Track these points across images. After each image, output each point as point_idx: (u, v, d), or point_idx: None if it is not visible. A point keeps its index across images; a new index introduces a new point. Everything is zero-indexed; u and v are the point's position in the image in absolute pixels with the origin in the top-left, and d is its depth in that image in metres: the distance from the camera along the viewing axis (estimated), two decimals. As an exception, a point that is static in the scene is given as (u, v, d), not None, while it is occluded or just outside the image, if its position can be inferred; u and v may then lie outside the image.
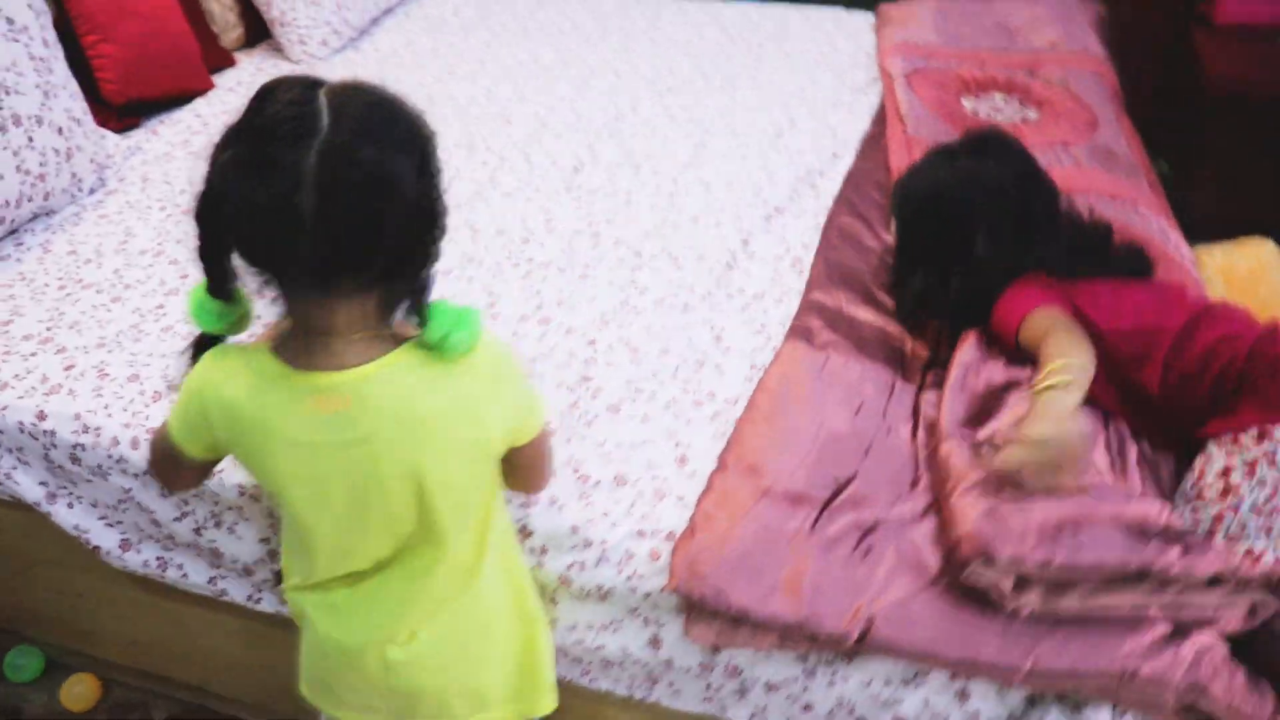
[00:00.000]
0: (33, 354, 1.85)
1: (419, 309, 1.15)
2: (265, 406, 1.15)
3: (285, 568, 1.40)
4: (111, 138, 2.50)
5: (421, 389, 1.17)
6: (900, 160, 2.26)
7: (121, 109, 2.58)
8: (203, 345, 1.21)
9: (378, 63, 2.95)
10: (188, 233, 1.11)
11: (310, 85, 1.07)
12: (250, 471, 1.24)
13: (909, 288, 1.82)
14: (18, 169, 2.15)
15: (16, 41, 2.18)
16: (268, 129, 1.03)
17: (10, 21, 2.19)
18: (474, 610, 1.38)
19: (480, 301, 1.96)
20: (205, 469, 1.34)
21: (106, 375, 1.81)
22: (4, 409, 1.74)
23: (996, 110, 2.55)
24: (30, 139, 2.18)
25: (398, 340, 1.16)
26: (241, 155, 1.04)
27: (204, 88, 2.77)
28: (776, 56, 2.97)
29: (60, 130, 2.25)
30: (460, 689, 1.41)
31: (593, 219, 2.22)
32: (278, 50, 3.00)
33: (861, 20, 3.18)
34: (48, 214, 2.29)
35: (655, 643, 1.52)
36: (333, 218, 1.03)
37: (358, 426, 1.15)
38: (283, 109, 1.04)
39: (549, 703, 1.49)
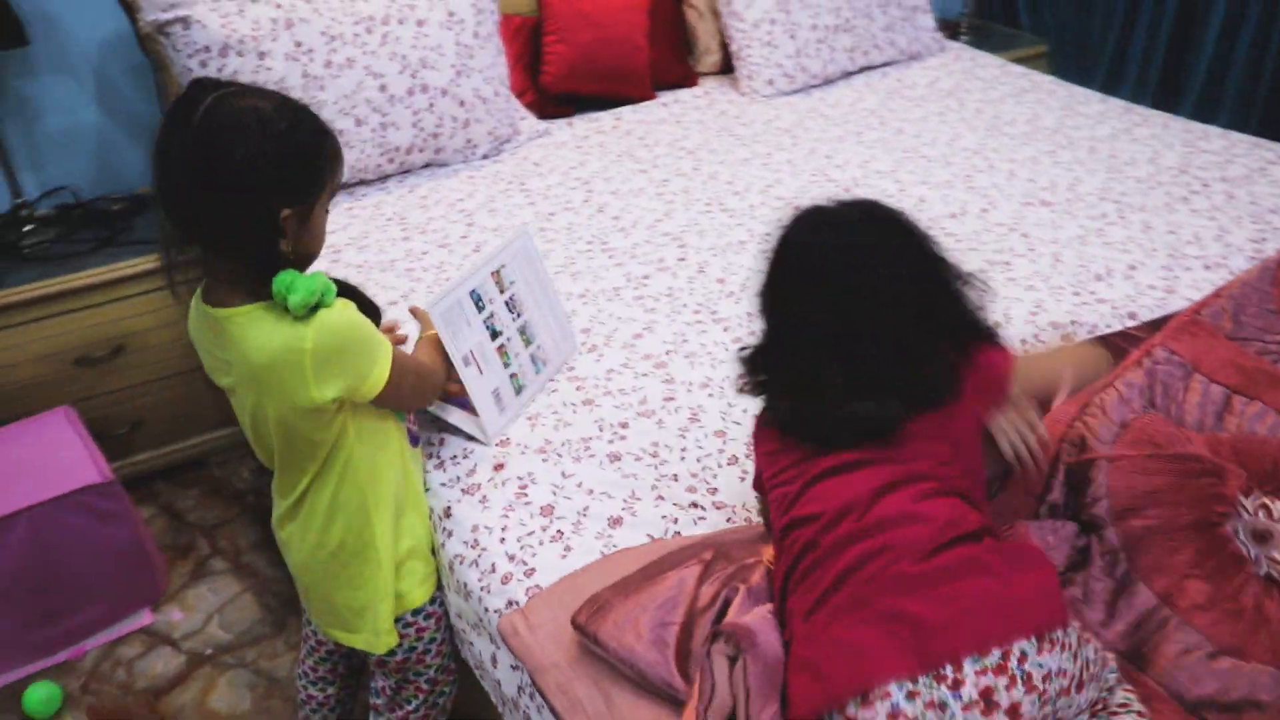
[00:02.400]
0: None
1: (267, 273, 1.37)
2: (199, 329, 1.49)
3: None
4: (531, 120, 2.94)
5: (260, 339, 1.40)
6: None
7: (557, 98, 3.01)
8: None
9: (820, 113, 3.05)
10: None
11: (212, 86, 1.35)
12: None
13: None
14: (414, 125, 2.66)
15: (449, 30, 2.68)
16: (169, 114, 1.34)
17: (451, 14, 2.69)
18: (306, 536, 1.60)
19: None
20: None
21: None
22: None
23: None
24: (431, 105, 2.67)
25: (264, 298, 1.40)
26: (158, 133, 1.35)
27: (642, 97, 3.09)
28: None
29: (462, 103, 2.72)
30: (318, 596, 1.66)
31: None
32: (735, 83, 3.22)
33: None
34: (441, 165, 2.78)
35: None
36: (170, 195, 1.34)
37: (227, 355, 1.45)
38: (180, 104, 1.33)
39: (380, 645, 1.65)
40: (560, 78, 3.00)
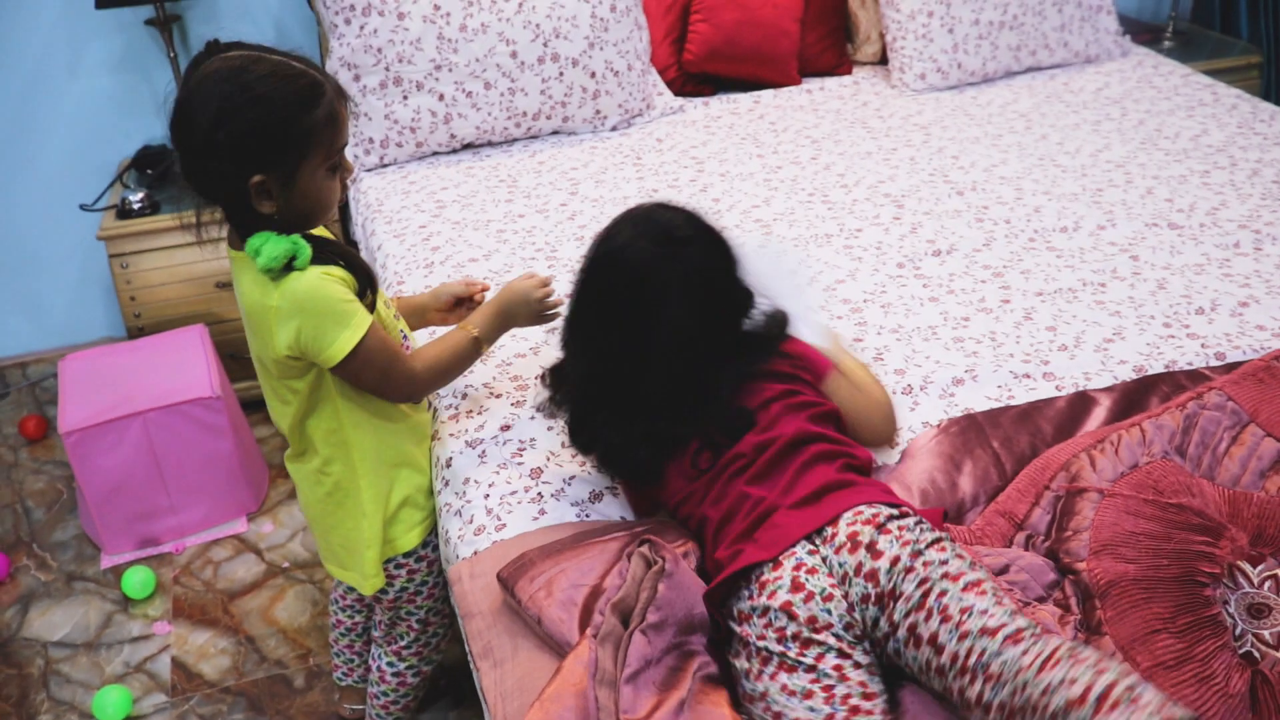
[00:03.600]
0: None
1: (247, 231, 1.48)
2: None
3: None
4: (668, 96, 2.98)
5: (245, 285, 1.53)
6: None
7: (697, 77, 3.04)
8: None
9: (965, 112, 2.97)
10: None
11: (218, 49, 1.48)
12: None
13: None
14: (542, 92, 2.76)
15: (586, 2, 2.75)
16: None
17: (592, -15, 2.76)
18: (305, 476, 1.73)
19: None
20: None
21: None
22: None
23: None
24: (561, 74, 2.76)
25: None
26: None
27: (786, 83, 3.08)
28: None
29: (592, 75, 2.79)
30: (318, 532, 1.80)
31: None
32: (888, 75, 3.15)
33: None
34: (568, 133, 2.87)
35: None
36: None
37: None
38: (189, 65, 1.48)
39: (367, 587, 1.76)
40: (701, 58, 3.02)
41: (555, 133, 2.87)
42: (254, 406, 2.92)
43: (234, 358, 2.87)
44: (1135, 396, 1.79)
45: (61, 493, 2.81)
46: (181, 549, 2.59)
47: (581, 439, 1.59)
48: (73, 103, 3.03)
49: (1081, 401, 1.78)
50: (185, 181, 1.49)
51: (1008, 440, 1.69)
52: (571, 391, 1.59)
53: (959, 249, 2.27)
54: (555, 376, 1.64)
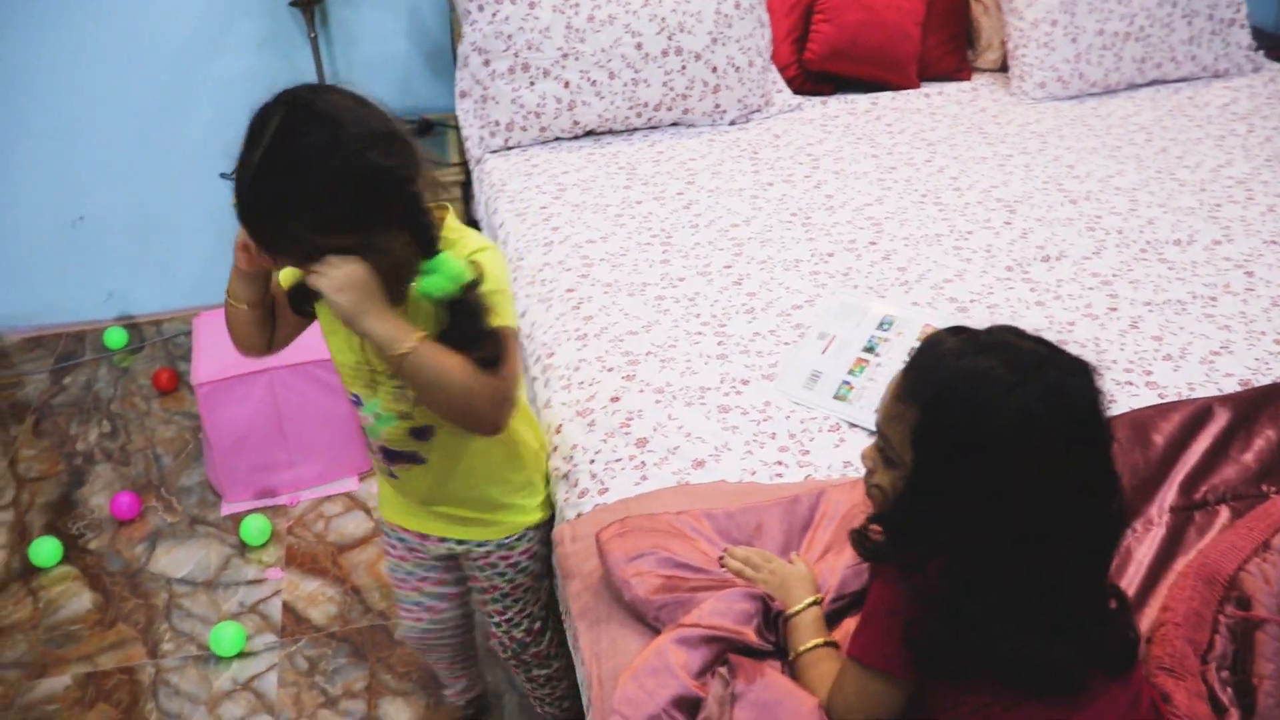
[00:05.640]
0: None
1: None
2: None
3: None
4: (787, 94, 3.04)
5: None
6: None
7: (817, 76, 3.09)
8: (474, 287, 1.34)
9: (1084, 122, 2.97)
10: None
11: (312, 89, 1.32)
12: None
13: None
14: (664, 84, 2.84)
15: (710, -2, 2.83)
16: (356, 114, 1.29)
17: (713, -19, 2.83)
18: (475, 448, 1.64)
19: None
20: None
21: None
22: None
23: None
24: (684, 67, 2.83)
25: None
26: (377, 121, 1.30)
27: (905, 86, 3.11)
28: None
29: (714, 69, 2.86)
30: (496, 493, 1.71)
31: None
32: (1008, 82, 3.16)
33: None
34: (688, 125, 2.94)
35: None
36: None
37: None
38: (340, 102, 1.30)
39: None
40: (822, 57, 3.06)
41: (675, 124, 2.95)
42: (371, 372, 3.05)
43: (355, 325, 3.00)
44: (1250, 408, 1.76)
45: (188, 442, 2.98)
46: (296, 502, 2.72)
47: (961, 650, 1.15)
48: (217, 78, 3.19)
49: (1198, 412, 1.75)
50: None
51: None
52: (937, 592, 1.16)
53: (1068, 256, 2.29)
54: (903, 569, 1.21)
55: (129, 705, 2.24)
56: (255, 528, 2.59)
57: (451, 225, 1.42)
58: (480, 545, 1.72)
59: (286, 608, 2.44)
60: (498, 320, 1.34)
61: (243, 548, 2.61)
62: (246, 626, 2.38)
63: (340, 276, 1.29)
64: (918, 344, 1.22)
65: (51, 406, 3.19)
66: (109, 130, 3.22)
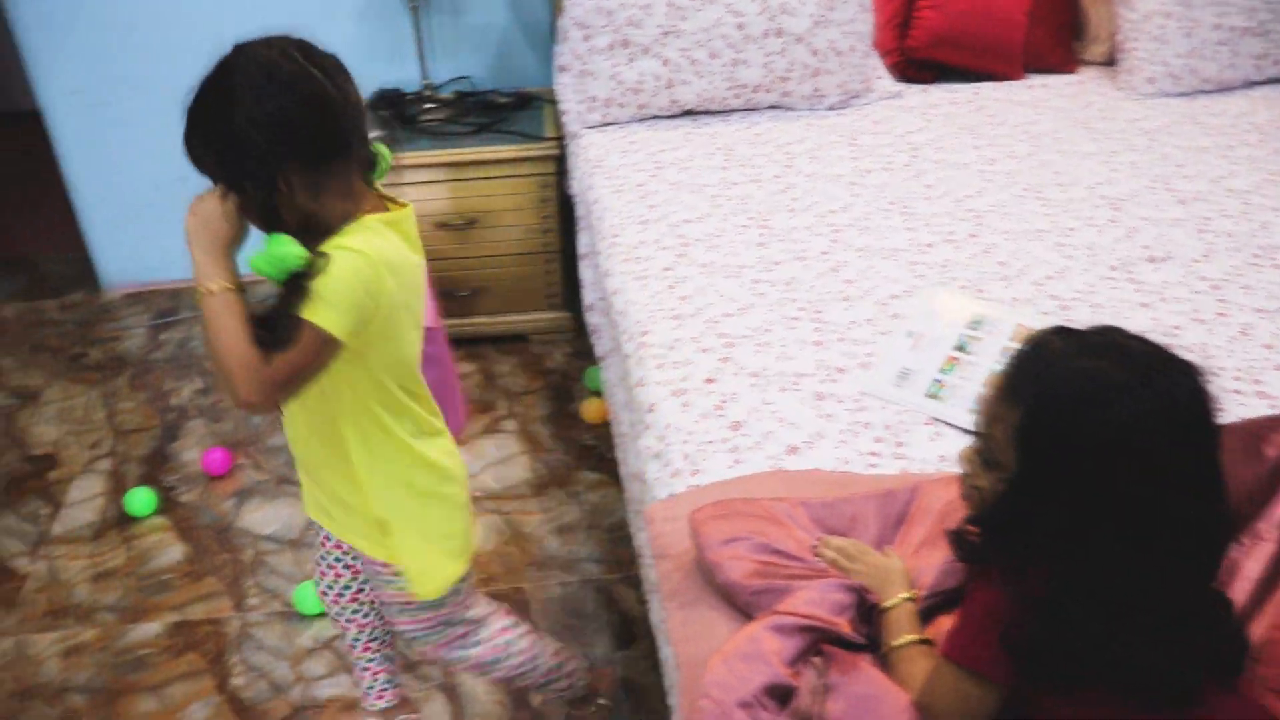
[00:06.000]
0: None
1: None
2: (399, 246, 1.41)
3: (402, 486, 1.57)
4: (888, 80, 3.01)
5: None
6: None
7: (919, 64, 3.05)
8: (302, 277, 1.31)
9: (1196, 120, 2.88)
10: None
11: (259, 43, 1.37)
12: (382, 338, 1.41)
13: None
14: (764, 66, 2.82)
15: (815, -23, 2.79)
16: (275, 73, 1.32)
17: (820, -36, 2.80)
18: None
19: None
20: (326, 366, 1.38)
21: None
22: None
23: None
24: (784, 50, 2.81)
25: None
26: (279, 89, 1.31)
27: (1009, 76, 3.05)
28: None
29: (815, 53, 2.83)
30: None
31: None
32: (1115, 76, 3.09)
33: None
34: (786, 108, 2.92)
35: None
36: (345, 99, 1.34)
37: (418, 252, 1.48)
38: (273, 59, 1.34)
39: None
40: (925, 44, 3.02)
41: (773, 107, 2.92)
42: (460, 343, 3.08)
43: (449, 295, 3.03)
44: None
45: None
46: (382, 467, 2.76)
47: (1062, 653, 1.14)
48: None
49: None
50: None
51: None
52: (1037, 594, 1.14)
53: (1176, 257, 2.24)
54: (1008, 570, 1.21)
55: (215, 656, 2.30)
56: (342, 490, 2.62)
57: (368, 222, 1.38)
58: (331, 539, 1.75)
59: (370, 570, 2.47)
60: (307, 313, 1.30)
61: (329, 509, 2.65)
62: (330, 587, 2.41)
63: (201, 204, 1.35)
64: (1011, 343, 1.21)
65: (149, 361, 3.27)
66: (213, 92, 3.27)
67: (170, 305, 3.54)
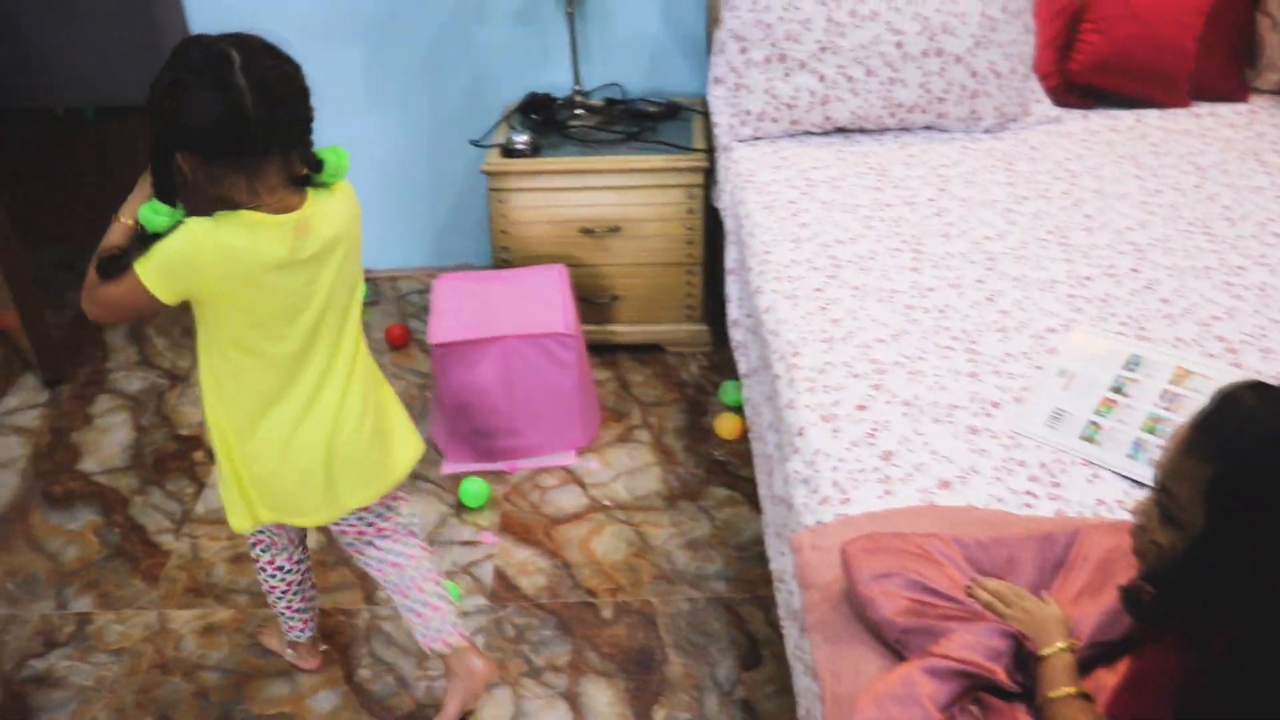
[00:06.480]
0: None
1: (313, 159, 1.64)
2: (258, 241, 1.59)
3: (226, 422, 1.80)
4: (1046, 104, 2.93)
5: (334, 214, 1.68)
6: None
7: (1080, 89, 2.96)
8: (145, 241, 1.60)
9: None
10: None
11: (219, 39, 1.54)
12: (227, 313, 1.66)
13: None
14: (921, 86, 2.77)
15: (978, 1, 2.72)
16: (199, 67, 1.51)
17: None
18: (372, 380, 1.88)
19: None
20: (155, 310, 1.66)
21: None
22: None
23: None
24: (943, 70, 2.76)
25: (300, 189, 1.64)
26: (192, 83, 1.50)
27: (1174, 104, 2.95)
28: None
29: (974, 74, 2.77)
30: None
31: None
32: (1286, 103, 2.97)
33: None
34: (941, 130, 2.87)
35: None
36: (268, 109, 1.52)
37: (320, 241, 1.65)
38: (205, 55, 1.52)
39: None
40: (1088, 69, 2.93)
41: (928, 127, 2.87)
42: (595, 350, 3.09)
43: (587, 301, 3.04)
44: None
45: (414, 398, 3.07)
46: (514, 470, 2.78)
47: None
48: (476, 47, 3.27)
49: None
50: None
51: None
52: (1219, 661, 1.11)
53: (1357, 302, 2.13)
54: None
55: (345, 646, 2.34)
56: (474, 490, 2.66)
57: (243, 214, 1.58)
58: None
59: (498, 573, 2.49)
60: (136, 263, 1.57)
61: (460, 508, 2.68)
62: (459, 586, 2.44)
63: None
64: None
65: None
66: (371, 89, 3.34)
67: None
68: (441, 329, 2.69)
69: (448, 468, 2.79)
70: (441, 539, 2.59)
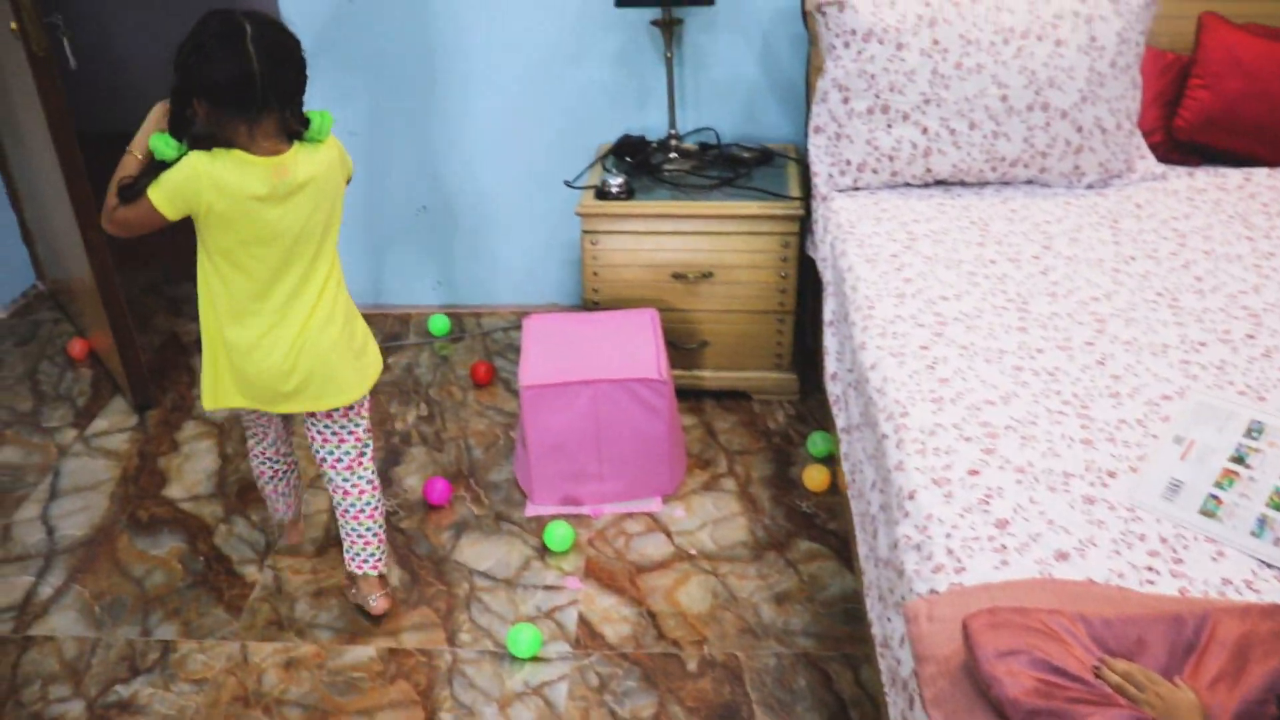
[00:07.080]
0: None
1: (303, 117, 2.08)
2: (245, 177, 1.99)
3: (212, 318, 2.19)
4: (1150, 161, 2.88)
5: (312, 162, 2.08)
6: None
7: (1185, 146, 2.90)
8: (153, 169, 1.99)
9: None
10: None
11: (236, 13, 1.96)
12: (217, 230, 2.05)
13: None
14: (1025, 140, 2.73)
15: (1086, 55, 2.68)
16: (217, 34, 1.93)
17: (1093, 39, 2.68)
18: (343, 305, 2.27)
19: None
20: (162, 226, 2.05)
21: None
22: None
23: None
24: (1048, 124, 2.72)
25: (290, 139, 2.05)
26: (211, 46, 1.92)
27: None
28: None
29: (1079, 129, 2.72)
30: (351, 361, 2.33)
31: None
32: None
33: None
34: (1042, 185, 2.82)
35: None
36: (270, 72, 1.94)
37: (295, 183, 2.04)
38: (224, 24, 1.94)
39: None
40: (1195, 126, 2.87)
41: (1029, 182, 2.83)
42: (682, 395, 3.07)
43: (675, 346, 3.02)
44: None
45: (499, 437, 3.07)
46: (599, 514, 2.76)
47: None
48: (571, 88, 3.28)
49: None
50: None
51: None
52: None
53: None
54: None
55: (426, 688, 2.32)
56: (559, 534, 2.63)
57: (235, 154, 2.00)
58: None
59: (582, 620, 2.46)
60: (149, 188, 1.98)
61: (544, 551, 2.66)
62: (542, 631, 2.41)
63: (162, 103, 2.04)
64: None
65: (376, 385, 3.35)
66: (464, 126, 3.37)
67: (398, 329, 3.64)
68: (532, 371, 2.68)
69: (532, 510, 2.78)
70: (525, 582, 2.57)
